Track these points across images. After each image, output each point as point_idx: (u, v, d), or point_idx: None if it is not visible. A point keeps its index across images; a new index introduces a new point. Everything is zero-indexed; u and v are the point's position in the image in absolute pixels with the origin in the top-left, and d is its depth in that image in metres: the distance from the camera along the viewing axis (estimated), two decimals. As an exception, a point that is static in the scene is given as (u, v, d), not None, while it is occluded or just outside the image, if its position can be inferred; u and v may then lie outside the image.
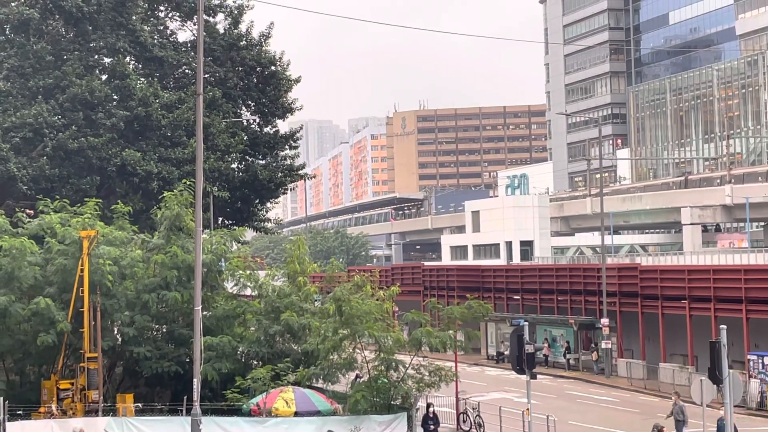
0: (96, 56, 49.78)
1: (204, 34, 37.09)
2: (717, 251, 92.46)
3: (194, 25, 52.80)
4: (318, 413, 30.81)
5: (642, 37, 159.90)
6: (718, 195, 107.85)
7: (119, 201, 40.76)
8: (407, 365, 31.52)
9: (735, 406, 30.57)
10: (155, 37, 51.33)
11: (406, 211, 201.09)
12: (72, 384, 33.40)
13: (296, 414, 30.51)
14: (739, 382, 30.18)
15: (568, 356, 62.57)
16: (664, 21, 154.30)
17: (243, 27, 54.07)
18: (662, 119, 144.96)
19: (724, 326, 29.10)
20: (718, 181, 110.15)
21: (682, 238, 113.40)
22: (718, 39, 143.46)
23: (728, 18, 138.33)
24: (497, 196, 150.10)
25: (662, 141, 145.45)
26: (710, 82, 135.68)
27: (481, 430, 39.27)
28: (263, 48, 53.98)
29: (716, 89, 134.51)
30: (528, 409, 33.33)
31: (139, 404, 33.65)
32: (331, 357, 31.87)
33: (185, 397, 31.12)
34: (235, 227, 50.15)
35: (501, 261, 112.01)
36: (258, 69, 54.02)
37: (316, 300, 38.56)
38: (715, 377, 28.39)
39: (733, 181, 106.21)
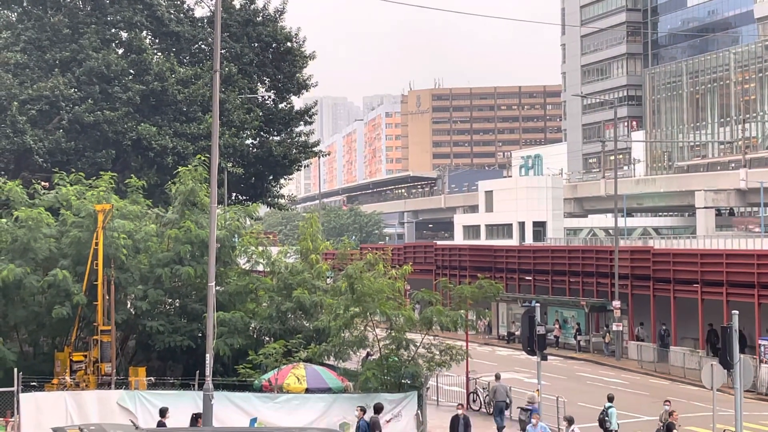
0: (113, 30, 49.84)
1: (220, 9, 37.00)
2: (730, 235, 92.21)
3: (211, 0, 52.83)
4: (329, 390, 30.91)
5: (659, 18, 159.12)
6: (732, 179, 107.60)
7: (134, 175, 40.78)
8: (418, 344, 31.57)
9: (745, 391, 30.61)
10: (172, 12, 51.37)
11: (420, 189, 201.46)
12: (85, 356, 33.51)
13: (307, 390, 30.61)
14: (749, 367, 30.22)
15: (578, 338, 62.64)
16: (681, 3, 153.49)
17: (259, 2, 54.17)
18: (678, 102, 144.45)
19: (736, 311, 29.09)
20: (733, 164, 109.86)
21: (695, 221, 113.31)
22: (735, 22, 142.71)
23: (746, 1, 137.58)
24: (511, 176, 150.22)
25: (677, 124, 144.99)
26: (727, 66, 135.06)
27: (491, 409, 39.34)
28: (279, 24, 54.00)
29: (733, 73, 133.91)
30: (538, 390, 33.46)
31: (152, 378, 33.76)
32: (343, 334, 31.87)
33: (197, 371, 31.20)
34: (248, 203, 50.32)
35: (513, 241, 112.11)
36: (274, 45, 54.10)
37: (328, 277, 38.60)
38: (726, 362, 28.38)
39: (748, 165, 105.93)
